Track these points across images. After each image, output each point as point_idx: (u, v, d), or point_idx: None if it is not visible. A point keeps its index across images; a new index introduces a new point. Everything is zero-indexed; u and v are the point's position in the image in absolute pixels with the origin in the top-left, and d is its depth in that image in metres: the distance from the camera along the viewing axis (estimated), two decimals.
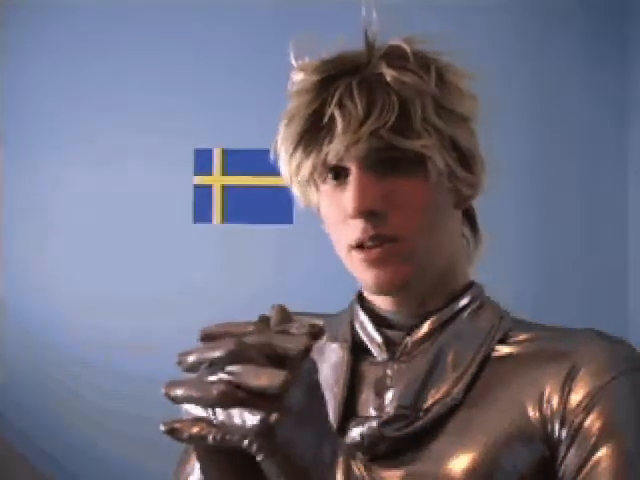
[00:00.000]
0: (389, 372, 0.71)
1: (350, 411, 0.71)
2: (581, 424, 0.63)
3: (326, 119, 0.67)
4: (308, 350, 0.47)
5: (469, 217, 0.79)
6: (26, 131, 2.34)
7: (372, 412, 0.70)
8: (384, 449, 0.67)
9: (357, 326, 0.76)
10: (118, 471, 2.18)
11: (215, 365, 0.47)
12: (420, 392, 0.68)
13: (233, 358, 0.46)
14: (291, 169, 0.71)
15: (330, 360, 0.75)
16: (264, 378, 0.45)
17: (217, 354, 0.46)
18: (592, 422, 0.62)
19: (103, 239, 2.28)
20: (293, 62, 0.74)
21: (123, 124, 2.29)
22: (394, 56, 0.69)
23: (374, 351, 0.73)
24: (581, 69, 2.18)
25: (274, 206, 2.22)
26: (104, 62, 2.31)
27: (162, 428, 0.48)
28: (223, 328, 0.49)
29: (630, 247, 2.12)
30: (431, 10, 2.01)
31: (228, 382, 0.45)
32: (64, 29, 2.32)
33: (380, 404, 0.70)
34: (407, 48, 0.69)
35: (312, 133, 0.68)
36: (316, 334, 0.48)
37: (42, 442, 2.23)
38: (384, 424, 0.67)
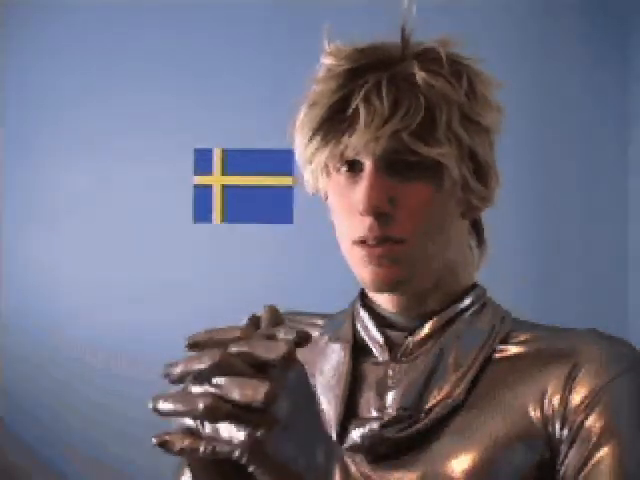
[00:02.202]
0: (390, 373, 0.71)
1: (351, 412, 0.71)
2: (582, 424, 0.63)
3: (350, 111, 0.66)
4: (291, 358, 0.46)
5: (476, 228, 0.79)
6: (27, 131, 2.34)
7: (373, 413, 0.70)
8: (385, 450, 0.67)
9: (359, 326, 0.76)
10: (119, 471, 2.18)
11: (201, 376, 0.47)
12: (421, 393, 0.68)
13: (218, 369, 0.46)
14: (306, 154, 0.70)
15: (331, 360, 0.75)
16: (248, 390, 0.44)
17: (202, 366, 0.46)
18: (593, 422, 0.62)
19: (103, 239, 2.28)
20: (325, 45, 0.72)
21: (123, 124, 2.29)
22: (428, 58, 0.68)
23: (375, 351, 0.73)
24: (581, 69, 2.18)
25: (274, 206, 2.22)
26: (104, 62, 2.31)
27: (154, 441, 0.48)
28: (209, 335, 0.49)
29: (630, 247, 2.12)
30: (431, 10, 2.01)
31: (214, 395, 0.45)
32: (64, 29, 2.32)
33: (381, 405, 0.69)
34: (442, 52, 0.68)
35: (333, 122, 0.67)
36: (302, 341, 0.48)
37: (42, 442, 2.23)
38: (385, 425, 0.67)
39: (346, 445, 0.68)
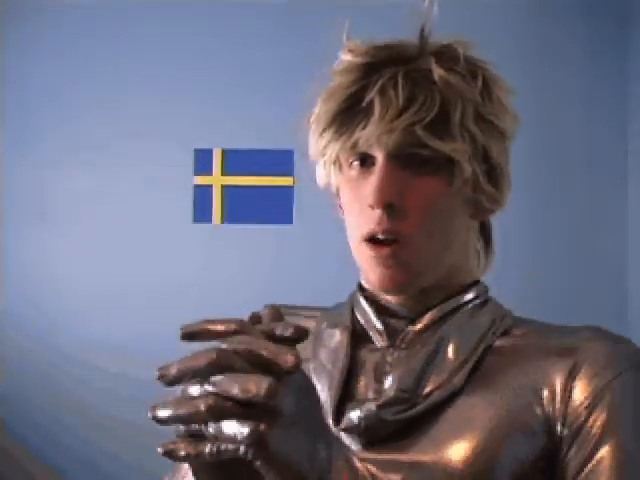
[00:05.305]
0: (389, 359, 0.71)
1: (348, 395, 0.70)
2: (583, 422, 0.62)
3: (365, 103, 0.66)
4: (298, 367, 0.45)
5: (484, 231, 0.79)
6: (27, 132, 2.34)
7: (371, 396, 0.69)
8: (382, 433, 0.66)
9: (358, 314, 0.76)
10: (121, 474, 2.18)
11: (199, 375, 0.46)
12: (420, 378, 0.67)
13: (216, 367, 0.45)
14: (319, 147, 0.71)
15: (329, 345, 0.75)
16: (249, 386, 0.44)
17: (199, 365, 0.45)
18: (594, 420, 0.62)
19: (104, 239, 2.28)
20: (344, 41, 0.73)
21: (123, 124, 2.29)
22: (445, 56, 0.69)
23: (374, 338, 0.73)
24: (581, 69, 2.18)
25: (274, 206, 2.22)
26: (105, 63, 2.31)
27: (159, 450, 0.47)
28: (204, 326, 0.48)
29: (630, 248, 2.12)
30: (430, 9, 2.01)
31: (215, 395, 0.45)
32: (65, 30, 2.33)
33: (379, 388, 0.69)
34: (460, 51, 0.69)
35: (347, 115, 0.67)
36: (300, 337, 0.48)
37: (43, 444, 2.23)
38: (382, 407, 0.66)
39: (342, 426, 0.67)
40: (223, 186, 2.26)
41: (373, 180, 0.67)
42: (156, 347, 2.09)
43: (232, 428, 0.45)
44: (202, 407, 0.44)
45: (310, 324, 0.79)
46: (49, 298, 2.28)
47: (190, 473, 0.53)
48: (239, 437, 0.45)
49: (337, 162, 0.72)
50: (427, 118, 0.65)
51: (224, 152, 2.25)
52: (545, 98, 2.16)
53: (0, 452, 2.23)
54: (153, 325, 2.19)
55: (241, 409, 0.44)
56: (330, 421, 0.68)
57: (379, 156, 0.67)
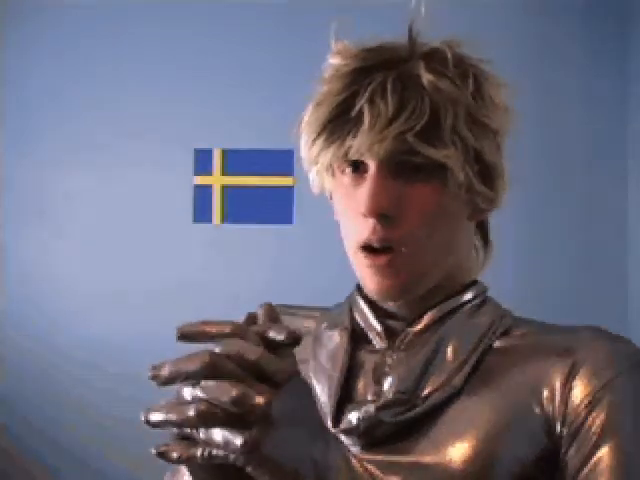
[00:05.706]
0: (389, 360, 0.70)
1: (347, 397, 0.70)
2: (582, 423, 0.62)
3: (354, 112, 0.66)
4: (295, 372, 0.46)
5: (481, 228, 0.79)
6: (27, 133, 2.34)
7: (370, 398, 0.69)
8: (382, 435, 0.66)
9: (357, 315, 0.76)
10: (120, 475, 2.18)
11: (192, 378, 0.46)
12: (419, 379, 0.67)
13: (208, 371, 0.45)
14: (311, 155, 0.70)
15: (328, 346, 0.75)
16: (241, 394, 0.44)
17: (192, 368, 0.46)
18: (593, 420, 0.62)
19: (104, 239, 2.28)
20: (332, 44, 0.72)
21: (124, 124, 2.29)
22: (434, 59, 0.68)
23: (373, 340, 0.73)
24: (581, 69, 2.18)
25: (274, 206, 2.22)
26: (105, 63, 2.31)
27: (153, 451, 0.48)
28: (198, 327, 0.48)
29: (630, 247, 2.12)
30: (429, 9, 2.00)
31: (205, 401, 0.45)
32: (65, 30, 2.33)
33: (378, 390, 0.69)
34: (448, 53, 0.68)
35: (338, 123, 0.67)
36: (294, 341, 0.48)
37: (44, 449, 2.23)
38: (381, 408, 0.66)
39: (341, 427, 0.67)
40: (223, 186, 2.26)
41: (365, 189, 0.66)
42: (156, 347, 2.08)
43: (223, 435, 0.45)
44: (192, 413, 0.45)
45: (309, 324, 0.79)
46: (49, 298, 2.29)
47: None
48: (231, 446, 0.45)
49: (330, 169, 0.72)
50: (417, 126, 0.64)
51: (224, 152, 2.26)
52: (545, 98, 2.16)
53: (0, 452, 2.24)
54: (153, 325, 2.19)
55: (232, 416, 0.45)
56: (329, 422, 0.68)
57: (371, 164, 0.67)
